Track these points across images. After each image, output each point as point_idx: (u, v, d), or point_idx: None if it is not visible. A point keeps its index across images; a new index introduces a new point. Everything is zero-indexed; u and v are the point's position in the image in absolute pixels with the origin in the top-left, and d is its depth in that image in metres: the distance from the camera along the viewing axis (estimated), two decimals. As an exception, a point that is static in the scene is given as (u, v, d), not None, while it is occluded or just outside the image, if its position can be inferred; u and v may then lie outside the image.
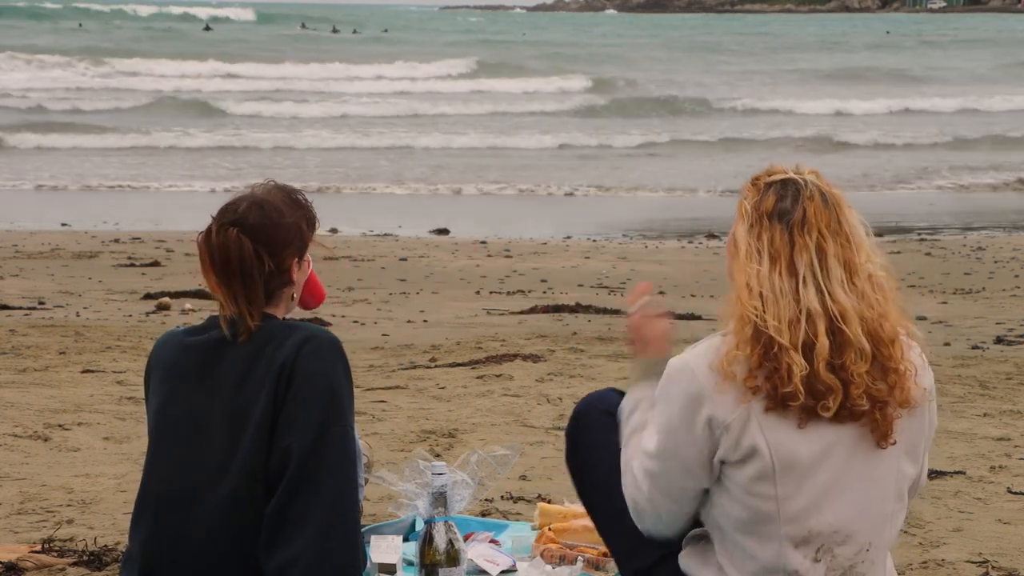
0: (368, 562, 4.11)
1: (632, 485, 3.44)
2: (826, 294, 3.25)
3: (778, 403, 3.22)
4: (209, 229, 3.52)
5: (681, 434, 3.30)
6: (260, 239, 3.50)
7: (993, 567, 5.23)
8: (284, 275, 3.55)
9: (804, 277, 3.24)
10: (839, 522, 3.32)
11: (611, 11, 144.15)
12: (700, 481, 3.35)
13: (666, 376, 3.33)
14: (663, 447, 3.33)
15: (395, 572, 4.18)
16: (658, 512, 3.41)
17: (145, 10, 79.60)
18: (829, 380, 3.23)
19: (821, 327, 3.22)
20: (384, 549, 4.27)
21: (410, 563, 4.26)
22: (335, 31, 74.11)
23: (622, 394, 3.70)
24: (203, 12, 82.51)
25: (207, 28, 69.70)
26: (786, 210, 3.28)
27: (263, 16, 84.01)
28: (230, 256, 3.47)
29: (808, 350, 3.22)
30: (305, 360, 3.42)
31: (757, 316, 3.22)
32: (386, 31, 79.06)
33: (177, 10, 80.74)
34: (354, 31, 74.05)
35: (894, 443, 3.33)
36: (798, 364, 3.20)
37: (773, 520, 3.30)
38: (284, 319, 3.58)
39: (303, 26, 78.37)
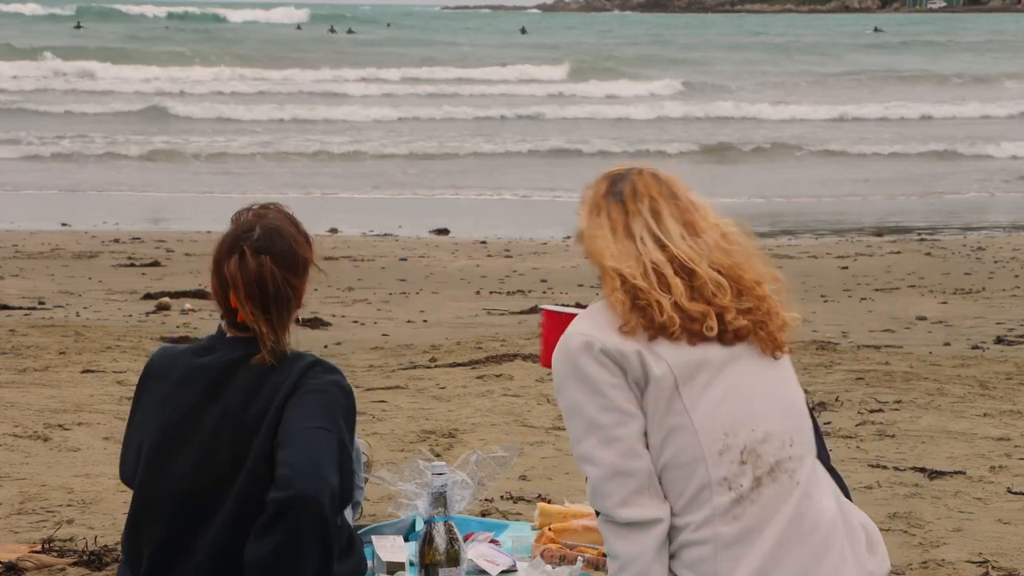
0: (372, 562, 4.12)
1: (591, 469, 3.46)
2: (667, 245, 3.47)
3: (657, 331, 3.41)
4: (242, 255, 3.54)
5: (591, 371, 3.42)
6: (287, 267, 3.58)
7: (993, 567, 5.24)
8: (301, 299, 3.65)
9: (641, 237, 3.48)
10: (752, 419, 3.45)
11: (626, 11, 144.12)
12: (631, 407, 3.41)
13: (558, 351, 3.49)
14: (586, 397, 3.43)
15: (404, 570, 4.19)
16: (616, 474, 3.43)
17: (179, 11, 78.70)
18: (698, 308, 3.44)
19: (668, 271, 3.44)
20: (390, 548, 4.29)
21: (410, 563, 4.27)
22: (332, 31, 73.98)
23: None
24: (254, 14, 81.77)
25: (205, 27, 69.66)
26: (618, 189, 3.55)
27: (316, 17, 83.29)
28: (267, 285, 3.54)
29: (665, 290, 3.43)
30: (309, 379, 3.51)
31: (617, 267, 3.45)
32: (388, 25, 78.88)
33: (210, 10, 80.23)
34: (349, 30, 73.83)
35: (790, 351, 3.54)
36: (665, 297, 3.42)
37: (689, 431, 3.41)
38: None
39: (299, 27, 78.20)
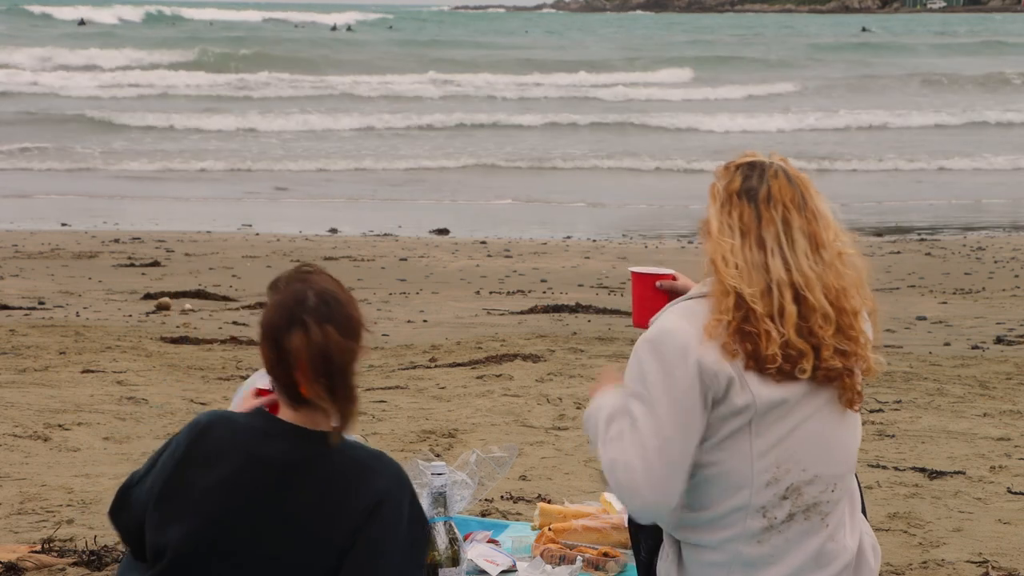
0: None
1: (628, 449, 3.42)
2: (791, 265, 3.43)
3: (755, 362, 3.40)
4: (304, 327, 3.20)
5: (678, 375, 3.39)
6: (348, 334, 3.24)
7: (993, 567, 5.24)
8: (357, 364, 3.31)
9: (772, 249, 3.43)
10: (807, 460, 3.46)
11: (625, 11, 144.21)
12: (696, 422, 3.40)
13: (652, 339, 3.44)
14: (661, 392, 3.40)
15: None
16: (652, 470, 3.40)
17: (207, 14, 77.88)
18: (800, 345, 3.41)
19: (788, 296, 3.41)
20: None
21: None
22: (333, 28, 74.04)
23: None
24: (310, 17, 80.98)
25: (210, 24, 69.59)
26: (753, 188, 3.47)
27: (361, 21, 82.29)
28: (332, 357, 3.20)
29: (779, 317, 3.41)
30: (383, 515, 3.17)
31: (737, 286, 3.40)
32: (391, 27, 78.79)
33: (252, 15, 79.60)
34: (348, 28, 73.87)
35: (858, 410, 3.53)
36: (776, 330, 3.39)
37: (746, 457, 3.43)
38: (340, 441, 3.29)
39: (296, 25, 78.16)
